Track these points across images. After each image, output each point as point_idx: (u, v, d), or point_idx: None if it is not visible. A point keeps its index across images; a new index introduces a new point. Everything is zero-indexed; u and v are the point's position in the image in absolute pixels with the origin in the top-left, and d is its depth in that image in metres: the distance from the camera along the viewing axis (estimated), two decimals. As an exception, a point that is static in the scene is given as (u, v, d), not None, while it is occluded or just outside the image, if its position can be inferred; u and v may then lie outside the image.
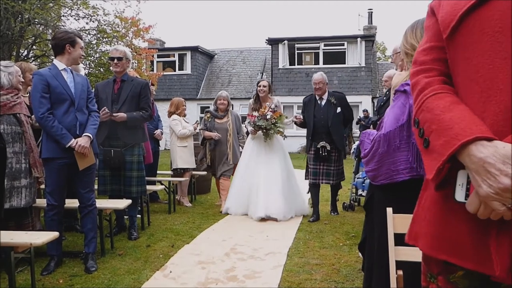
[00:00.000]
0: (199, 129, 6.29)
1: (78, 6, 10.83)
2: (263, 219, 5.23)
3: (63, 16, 11.21)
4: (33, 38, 11.02)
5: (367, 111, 16.26)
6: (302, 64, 19.11)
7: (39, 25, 10.64)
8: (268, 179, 5.39)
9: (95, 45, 11.50)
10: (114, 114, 4.09)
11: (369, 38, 18.80)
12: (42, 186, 3.93)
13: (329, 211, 5.67)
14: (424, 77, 1.05)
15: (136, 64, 12.47)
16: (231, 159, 6.00)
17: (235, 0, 67.93)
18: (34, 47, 11.55)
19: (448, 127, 0.91)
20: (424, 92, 1.02)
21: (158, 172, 6.73)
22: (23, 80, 3.66)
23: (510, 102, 0.87)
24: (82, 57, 3.57)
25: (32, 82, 3.39)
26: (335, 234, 4.60)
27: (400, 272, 1.74)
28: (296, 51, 19.14)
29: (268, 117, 5.40)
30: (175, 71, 20.55)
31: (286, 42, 18.80)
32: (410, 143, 2.16)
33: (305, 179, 5.56)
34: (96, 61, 11.57)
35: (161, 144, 6.92)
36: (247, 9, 70.95)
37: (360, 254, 3.35)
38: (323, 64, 18.27)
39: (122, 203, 4.00)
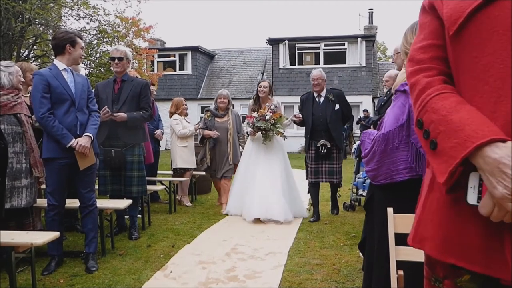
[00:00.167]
0: (199, 128, 6.21)
1: (79, 6, 10.84)
2: (258, 220, 5.17)
3: (64, 16, 11.23)
4: (34, 38, 11.03)
5: (367, 111, 16.26)
6: (302, 64, 19.11)
7: (39, 25, 10.65)
8: (268, 181, 5.33)
9: (95, 45, 11.51)
10: (114, 114, 4.09)
11: (369, 38, 18.79)
12: (43, 186, 3.94)
13: (329, 210, 5.63)
14: (424, 77, 1.03)
15: (137, 64, 12.47)
16: (232, 159, 5.91)
17: (235, 0, 67.91)
18: (34, 47, 11.57)
19: (458, 128, 0.89)
20: (426, 92, 1.00)
21: (158, 172, 6.74)
22: (23, 80, 3.66)
23: None
24: (83, 57, 3.57)
25: (32, 82, 3.39)
26: (335, 234, 4.60)
27: (401, 272, 1.74)
28: (297, 51, 19.14)
29: (267, 118, 5.33)
30: (175, 71, 20.57)
31: (286, 42, 18.81)
32: (410, 143, 2.16)
33: (306, 178, 5.50)
34: (97, 61, 11.57)
35: (161, 144, 6.92)
36: (248, 9, 70.98)
37: (360, 254, 3.35)
38: (324, 64, 18.27)
39: (123, 203, 4.01)
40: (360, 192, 5.86)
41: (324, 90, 5.37)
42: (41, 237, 2.80)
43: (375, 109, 5.96)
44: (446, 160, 0.90)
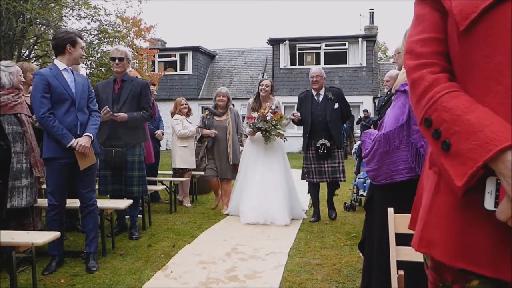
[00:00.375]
0: (197, 127, 6.06)
1: (80, 6, 10.86)
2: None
3: (65, 16, 11.25)
4: (35, 38, 11.05)
5: (367, 111, 16.26)
6: (303, 64, 19.10)
7: (40, 25, 10.67)
8: (267, 184, 5.24)
9: (96, 45, 11.53)
10: (115, 114, 4.09)
11: (370, 38, 18.79)
12: (44, 186, 3.94)
13: (327, 213, 5.42)
14: (429, 73, 0.99)
15: (138, 64, 12.48)
16: (231, 159, 5.73)
17: (236, 0, 67.94)
18: (35, 47, 11.59)
19: (477, 129, 0.85)
20: (434, 90, 0.95)
21: (159, 172, 6.73)
22: (24, 80, 3.66)
23: None
24: (83, 57, 3.57)
25: (33, 82, 3.40)
26: (336, 234, 4.60)
27: (401, 272, 1.74)
28: (297, 51, 19.14)
29: (268, 118, 5.23)
30: (176, 71, 20.58)
31: (287, 42, 18.81)
32: (410, 143, 2.16)
33: (302, 179, 5.38)
34: (98, 61, 11.59)
35: (162, 144, 6.92)
36: (248, 9, 71.01)
37: (361, 254, 3.35)
38: (324, 64, 18.26)
39: (123, 203, 4.01)
40: (361, 192, 5.85)
41: (323, 88, 5.26)
42: (42, 237, 2.80)
43: (376, 109, 5.91)
44: (464, 163, 0.86)
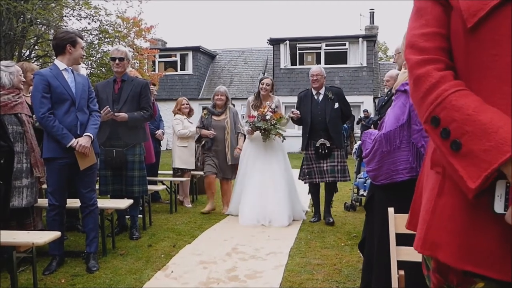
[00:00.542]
0: (196, 127, 5.97)
1: (80, 6, 10.86)
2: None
3: (65, 16, 11.25)
4: (35, 38, 11.05)
5: (367, 111, 16.25)
6: (303, 64, 19.10)
7: (41, 25, 10.67)
8: (267, 184, 5.19)
9: (97, 45, 11.53)
10: (115, 114, 4.09)
11: (370, 38, 18.78)
12: (44, 186, 3.94)
13: (324, 217, 5.19)
14: (435, 69, 0.96)
15: (138, 64, 12.49)
16: (229, 159, 5.63)
17: (236, 0, 67.94)
18: (36, 47, 11.59)
19: (491, 130, 0.82)
20: (441, 87, 0.92)
21: (159, 172, 6.73)
22: (24, 79, 3.66)
23: None
24: (83, 57, 3.57)
25: (33, 82, 3.40)
26: (336, 234, 4.60)
27: (402, 272, 1.74)
28: (298, 51, 19.14)
29: (267, 118, 5.17)
30: (176, 71, 20.58)
31: (287, 42, 18.81)
32: (410, 143, 2.17)
33: (299, 178, 5.34)
34: (98, 61, 11.60)
35: (162, 144, 6.92)
36: (249, 9, 71.00)
37: (361, 254, 3.35)
38: (325, 64, 18.25)
39: (124, 203, 4.01)
40: (361, 192, 5.85)
41: (323, 88, 5.19)
42: (42, 237, 2.80)
43: (376, 109, 5.87)
44: (478, 164, 0.83)
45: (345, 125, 9.13)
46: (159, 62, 20.24)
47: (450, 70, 0.96)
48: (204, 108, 6.08)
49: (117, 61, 4.25)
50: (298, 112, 5.20)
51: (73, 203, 3.68)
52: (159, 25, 35.03)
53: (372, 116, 14.73)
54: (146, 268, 3.50)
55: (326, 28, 62.05)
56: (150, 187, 5.01)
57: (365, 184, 5.62)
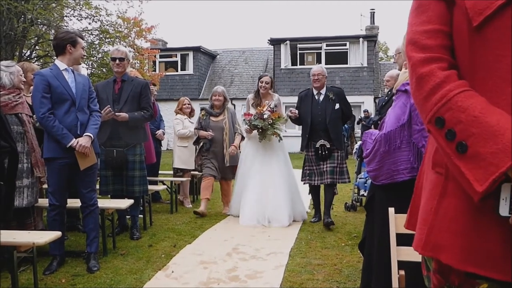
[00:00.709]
0: (194, 128, 5.87)
1: (81, 6, 10.87)
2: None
3: (66, 16, 11.26)
4: (36, 38, 11.06)
5: (367, 111, 16.25)
6: (304, 64, 19.11)
7: (42, 26, 10.68)
8: (267, 184, 5.14)
9: (97, 46, 11.53)
10: (116, 113, 4.09)
11: (371, 38, 18.78)
12: (45, 186, 3.95)
13: (323, 218, 5.01)
14: (439, 68, 0.94)
15: (139, 65, 12.50)
16: (228, 160, 5.53)
17: (237, 0, 67.95)
18: (37, 47, 11.60)
19: (498, 133, 0.81)
20: (446, 87, 0.91)
21: (160, 172, 6.73)
22: (24, 79, 3.67)
23: None
24: (84, 57, 3.58)
25: (33, 82, 3.40)
26: (337, 234, 4.59)
27: (402, 272, 1.74)
28: (298, 51, 19.14)
29: (265, 116, 5.08)
30: (177, 71, 20.59)
31: (288, 42, 18.81)
32: (411, 143, 2.16)
33: (301, 180, 5.25)
34: (99, 61, 11.60)
35: (163, 144, 6.92)
36: (249, 9, 70.99)
37: (361, 254, 3.35)
38: (325, 64, 18.22)
39: (124, 203, 4.01)
40: (362, 192, 5.84)
41: (324, 88, 5.09)
42: (43, 237, 2.80)
43: (376, 109, 5.80)
44: (484, 167, 0.82)
45: (345, 125, 9.12)
46: (159, 62, 20.25)
47: (454, 70, 0.95)
48: (202, 109, 5.96)
49: (117, 61, 4.25)
50: (296, 111, 5.13)
51: (74, 203, 3.68)
52: (159, 25, 34.93)
53: (372, 116, 14.73)
54: (146, 268, 3.50)
55: (327, 28, 62.08)
56: (150, 187, 5.01)
57: (365, 184, 5.61)
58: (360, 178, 5.84)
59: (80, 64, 3.91)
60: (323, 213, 5.11)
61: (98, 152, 3.61)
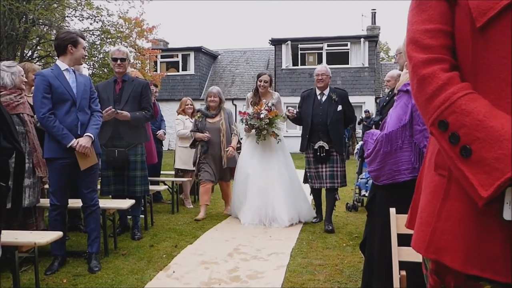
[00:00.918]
0: (190, 131, 5.72)
1: (82, 7, 10.90)
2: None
3: (67, 16, 11.28)
4: (38, 38, 11.08)
5: (368, 111, 16.24)
6: (305, 65, 19.11)
7: (43, 26, 10.70)
8: (267, 184, 5.09)
9: (99, 46, 11.55)
10: (118, 111, 4.09)
11: (372, 39, 18.77)
12: (46, 186, 3.95)
13: (324, 224, 4.90)
14: (441, 70, 0.93)
15: (140, 65, 12.51)
16: (226, 162, 5.41)
17: (238, 0, 67.98)
18: (38, 47, 11.63)
19: (503, 138, 0.81)
20: (449, 90, 0.90)
21: (162, 172, 6.73)
22: (26, 80, 3.68)
23: None
24: (85, 57, 3.58)
25: (34, 83, 3.41)
26: (338, 235, 4.59)
27: (403, 273, 1.74)
28: (299, 52, 19.14)
29: (261, 116, 4.97)
30: (178, 71, 20.59)
31: (289, 42, 18.80)
32: (413, 143, 2.16)
33: (305, 183, 5.18)
34: (100, 61, 11.62)
35: (164, 144, 6.92)
36: (250, 10, 71.00)
37: (362, 254, 3.35)
38: (327, 64, 18.23)
39: (126, 203, 4.01)
40: (363, 192, 5.83)
41: (328, 88, 4.97)
42: (45, 237, 2.81)
43: (377, 109, 5.75)
44: (489, 172, 0.82)
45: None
46: (161, 62, 20.25)
47: (456, 71, 0.94)
48: (198, 111, 5.84)
49: (119, 61, 4.26)
50: (294, 110, 5.04)
51: (75, 203, 3.68)
52: (161, 25, 35.01)
53: (373, 116, 14.72)
54: (147, 268, 3.50)
55: (328, 28, 62.07)
56: (152, 187, 5.01)
57: (366, 185, 5.61)
58: (361, 179, 5.83)
59: (82, 64, 3.92)
60: (324, 217, 5.04)
61: (99, 153, 3.61)
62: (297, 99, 5.36)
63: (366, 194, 5.53)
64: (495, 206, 0.86)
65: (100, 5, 11.55)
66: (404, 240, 1.74)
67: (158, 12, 46.43)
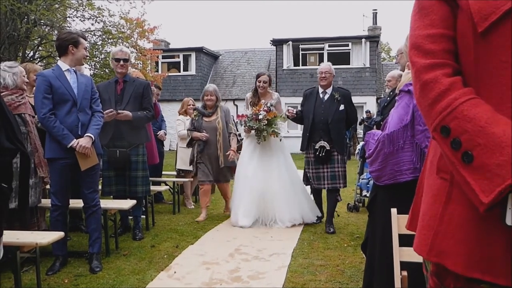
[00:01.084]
0: (187, 130, 5.66)
1: (84, 7, 10.90)
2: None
3: (69, 17, 11.28)
4: (39, 39, 11.09)
5: (369, 111, 16.23)
6: (306, 65, 19.10)
7: (45, 26, 10.70)
8: (266, 185, 5.03)
9: (100, 46, 11.56)
10: (119, 111, 4.09)
11: (373, 39, 18.75)
12: (48, 186, 3.95)
13: (325, 225, 4.85)
14: (444, 75, 0.93)
15: (141, 65, 12.51)
16: (223, 161, 5.31)
17: (239, 1, 68.02)
18: (40, 48, 11.63)
19: (505, 144, 0.81)
20: (452, 96, 0.90)
21: (163, 172, 6.73)
22: (27, 80, 3.68)
23: None
24: (86, 57, 3.58)
25: (35, 83, 3.42)
26: (339, 235, 4.59)
27: (405, 273, 1.73)
28: (301, 52, 19.13)
29: (260, 117, 4.91)
30: (179, 72, 20.60)
31: (290, 43, 18.80)
32: (414, 143, 2.16)
33: (306, 184, 5.13)
34: (102, 62, 11.63)
35: (165, 144, 6.92)
36: (252, 10, 71.03)
37: (364, 255, 3.34)
38: (328, 64, 18.22)
39: (127, 204, 4.01)
40: (364, 193, 5.83)
41: (331, 87, 4.90)
42: (46, 237, 2.81)
43: (378, 110, 5.74)
44: (490, 178, 0.82)
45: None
46: (162, 63, 20.26)
47: (459, 76, 0.93)
48: (194, 109, 5.75)
49: (121, 62, 4.26)
50: (293, 110, 5.00)
51: (76, 203, 3.68)
52: (162, 26, 35.16)
53: (374, 116, 14.71)
54: (149, 269, 3.50)
55: (329, 28, 62.06)
56: (153, 187, 5.01)
57: (368, 185, 5.60)
58: (362, 179, 5.83)
59: (83, 64, 3.92)
60: (325, 219, 5.00)
61: (100, 153, 3.61)
62: (298, 100, 5.36)
63: (367, 195, 5.51)
64: (496, 211, 0.86)
65: (102, 6, 11.56)
66: (405, 240, 1.74)
67: (159, 12, 46.54)
